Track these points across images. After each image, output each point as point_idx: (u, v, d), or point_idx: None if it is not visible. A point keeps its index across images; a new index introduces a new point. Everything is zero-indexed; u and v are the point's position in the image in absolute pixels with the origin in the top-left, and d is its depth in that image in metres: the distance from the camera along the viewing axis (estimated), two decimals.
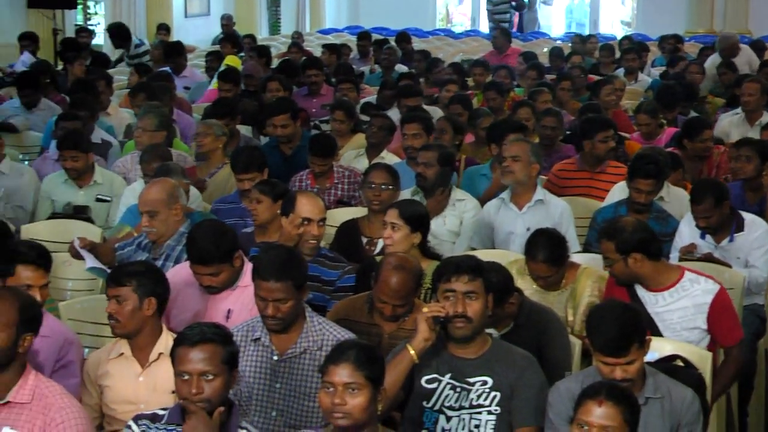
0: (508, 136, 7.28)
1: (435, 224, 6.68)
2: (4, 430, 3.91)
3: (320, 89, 11.12)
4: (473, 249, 6.47)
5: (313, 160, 7.45)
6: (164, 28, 16.37)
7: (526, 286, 5.52)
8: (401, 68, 13.32)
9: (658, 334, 5.07)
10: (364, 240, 6.35)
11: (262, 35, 20.10)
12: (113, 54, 14.96)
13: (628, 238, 5.12)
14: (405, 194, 6.69)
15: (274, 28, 22.14)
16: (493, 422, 4.28)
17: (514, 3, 20.77)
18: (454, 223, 6.78)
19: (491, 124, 8.33)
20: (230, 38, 14.54)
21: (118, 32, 13.93)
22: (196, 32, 18.42)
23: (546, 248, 5.51)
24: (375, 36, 16.36)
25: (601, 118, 8.20)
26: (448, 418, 4.31)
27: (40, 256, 4.86)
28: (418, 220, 5.63)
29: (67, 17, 16.47)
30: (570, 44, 16.29)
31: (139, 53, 13.78)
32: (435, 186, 6.76)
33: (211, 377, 3.82)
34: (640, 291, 5.22)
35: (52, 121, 8.72)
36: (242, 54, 13.78)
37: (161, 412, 3.96)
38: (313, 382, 4.42)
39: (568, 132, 9.27)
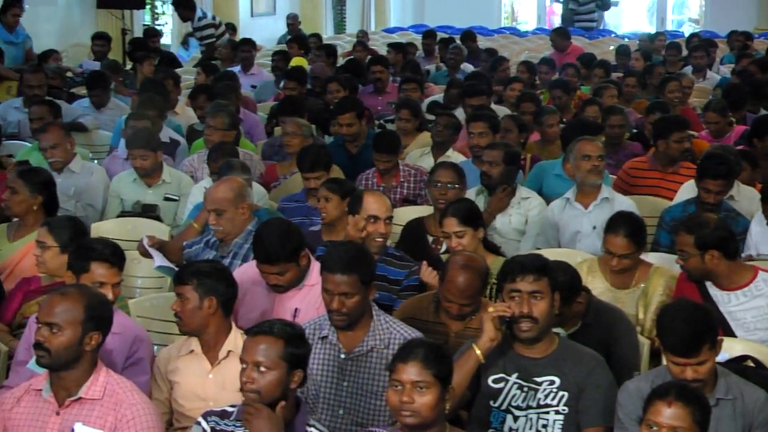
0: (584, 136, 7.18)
1: (500, 223, 6.70)
2: (77, 426, 3.96)
3: (385, 86, 11.13)
4: (538, 249, 6.44)
5: (377, 156, 7.47)
6: (231, 28, 16.47)
7: (597, 284, 5.49)
8: (467, 67, 13.29)
9: (731, 333, 5.03)
10: (430, 239, 6.34)
11: (327, 34, 20.18)
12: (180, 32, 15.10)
13: (709, 234, 5.08)
14: (470, 193, 6.69)
15: (339, 27, 22.22)
16: (561, 422, 4.26)
17: (599, 2, 20.68)
18: (520, 222, 6.77)
19: (568, 125, 8.25)
20: (297, 39, 14.62)
21: (183, 2, 14.04)
22: (262, 31, 18.53)
23: (627, 224, 5.49)
24: (440, 34, 16.34)
25: (677, 118, 8.07)
26: (516, 418, 4.30)
27: (114, 254, 4.89)
28: (475, 216, 5.64)
29: (135, 17, 16.64)
30: (637, 42, 16.15)
31: (201, 26, 13.86)
32: (499, 185, 6.75)
33: (264, 369, 3.82)
34: (712, 290, 5.17)
35: (121, 120, 8.80)
36: (309, 55, 13.85)
37: (230, 409, 3.98)
38: (381, 380, 4.43)
39: (634, 130, 9.20)
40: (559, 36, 14.80)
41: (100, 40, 13.26)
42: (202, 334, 4.63)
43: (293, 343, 3.89)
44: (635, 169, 7.74)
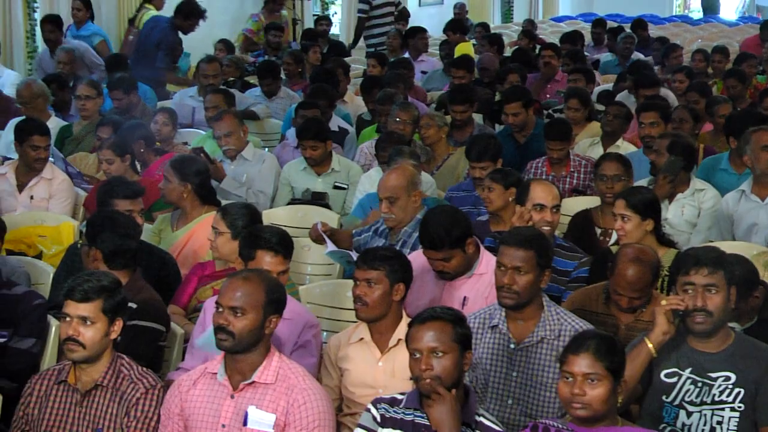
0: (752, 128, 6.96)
1: (673, 214, 6.56)
2: (250, 409, 4.03)
3: (555, 73, 11.01)
4: (711, 242, 6.29)
5: (549, 144, 7.42)
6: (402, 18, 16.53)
7: None
8: (638, 56, 13.07)
9: None
10: (598, 231, 6.26)
11: (495, 23, 20.08)
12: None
13: None
14: (641, 184, 6.55)
15: (507, 16, 22.06)
16: (737, 419, 4.15)
17: None
18: (692, 214, 6.63)
19: (730, 115, 8.03)
20: (453, 23, 14.47)
21: None
22: (430, 21, 18.52)
23: None
24: (610, 23, 16.11)
25: None
26: (689, 414, 4.21)
27: (280, 243, 4.94)
28: (647, 206, 5.51)
29: (306, 7, 16.86)
30: None
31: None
32: (660, 173, 6.60)
33: (440, 354, 3.85)
34: None
35: (291, 109, 8.93)
36: (470, 37, 13.76)
37: (400, 397, 4.01)
38: (551, 371, 4.39)
39: None
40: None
41: (274, 30, 13.45)
42: (380, 321, 4.64)
43: (460, 324, 3.94)
44: None
